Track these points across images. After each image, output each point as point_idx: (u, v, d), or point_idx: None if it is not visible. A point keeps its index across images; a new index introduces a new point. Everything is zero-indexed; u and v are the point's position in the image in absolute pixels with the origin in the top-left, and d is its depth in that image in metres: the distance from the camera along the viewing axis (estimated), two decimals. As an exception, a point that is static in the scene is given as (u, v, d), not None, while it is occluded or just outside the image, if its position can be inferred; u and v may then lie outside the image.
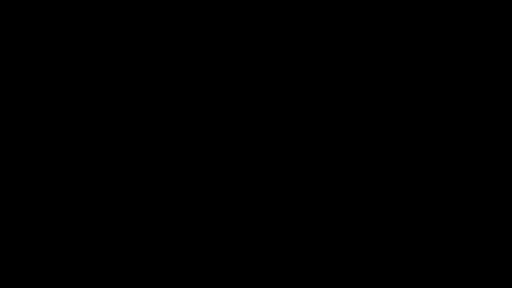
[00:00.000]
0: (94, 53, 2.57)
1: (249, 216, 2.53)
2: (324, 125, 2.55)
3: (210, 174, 2.54)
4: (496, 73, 2.54)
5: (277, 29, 2.57)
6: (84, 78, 2.57)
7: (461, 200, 2.50)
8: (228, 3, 2.57)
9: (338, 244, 2.50)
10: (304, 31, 2.57)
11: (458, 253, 2.48)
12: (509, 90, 2.53)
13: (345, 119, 2.55)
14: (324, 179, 2.53)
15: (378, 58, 2.56)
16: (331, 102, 2.56)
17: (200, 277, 2.50)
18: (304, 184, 2.53)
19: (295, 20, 2.57)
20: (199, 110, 2.56)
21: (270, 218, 2.52)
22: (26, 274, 2.48)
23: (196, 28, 2.57)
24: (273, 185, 2.53)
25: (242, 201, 2.53)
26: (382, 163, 2.53)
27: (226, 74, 2.57)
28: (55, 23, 2.57)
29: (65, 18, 2.57)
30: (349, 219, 2.51)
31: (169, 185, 2.53)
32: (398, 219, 2.51)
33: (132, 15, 2.58)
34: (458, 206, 2.50)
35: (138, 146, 2.55)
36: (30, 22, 2.57)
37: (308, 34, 2.57)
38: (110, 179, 2.53)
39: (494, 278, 2.46)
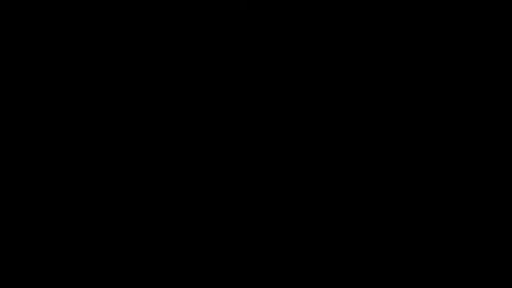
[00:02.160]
0: (94, 53, 2.57)
1: (249, 216, 2.53)
2: (324, 124, 2.55)
3: (210, 174, 2.54)
4: (496, 73, 2.54)
5: (277, 29, 2.57)
6: (84, 78, 2.57)
7: (461, 200, 2.51)
8: (228, 3, 2.57)
9: (338, 244, 2.50)
10: (304, 31, 2.57)
11: (458, 253, 2.48)
12: (510, 90, 2.53)
13: (345, 119, 2.55)
14: (324, 179, 2.53)
15: (378, 58, 2.56)
16: (331, 102, 2.56)
17: (200, 277, 2.50)
18: (304, 184, 2.53)
19: (295, 20, 2.57)
20: (200, 110, 2.56)
21: (270, 218, 2.52)
22: (26, 274, 2.48)
23: (196, 28, 2.57)
24: (273, 185, 2.53)
25: (242, 201, 2.53)
26: (382, 163, 2.53)
27: (226, 74, 2.57)
28: (55, 23, 2.57)
29: (65, 18, 2.57)
30: (349, 219, 2.51)
31: (169, 185, 2.53)
32: (398, 219, 2.51)
33: (132, 15, 2.58)
34: (458, 206, 2.51)
35: (139, 145, 2.55)
36: (30, 22, 2.57)
37: (308, 34, 2.57)
38: (110, 179, 2.53)
39: (494, 278, 2.46)
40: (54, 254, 2.50)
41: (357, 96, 2.55)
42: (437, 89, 2.55)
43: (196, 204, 2.53)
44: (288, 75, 2.57)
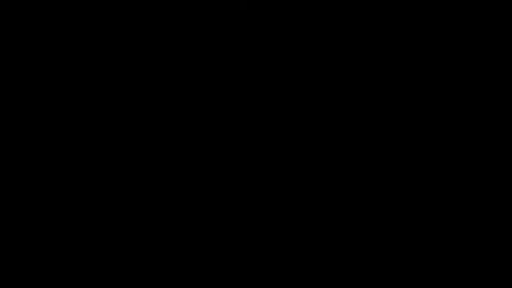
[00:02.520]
0: (94, 53, 2.57)
1: (249, 216, 2.53)
2: (324, 125, 2.55)
3: (210, 174, 2.54)
4: (496, 73, 2.54)
5: (277, 29, 2.57)
6: (84, 78, 2.57)
7: (461, 200, 2.51)
8: (228, 3, 2.57)
9: (338, 244, 2.51)
10: (304, 31, 2.57)
11: (458, 253, 2.48)
12: (510, 90, 2.53)
13: (345, 119, 2.55)
14: (324, 179, 2.53)
15: (378, 58, 2.56)
16: (331, 102, 2.56)
17: (200, 277, 2.50)
18: (304, 184, 2.53)
19: (295, 20, 2.57)
20: (200, 110, 2.56)
21: (270, 218, 2.52)
22: (26, 274, 2.48)
23: (196, 28, 2.57)
24: (273, 185, 2.53)
25: (242, 201, 2.53)
26: (382, 163, 2.53)
27: (226, 74, 2.57)
28: (55, 23, 2.57)
29: (65, 18, 2.57)
30: (349, 219, 2.52)
31: (169, 185, 2.53)
32: (398, 219, 2.51)
33: (132, 15, 2.58)
34: (458, 206, 2.51)
35: (139, 146, 2.55)
36: (30, 22, 2.57)
37: (308, 34, 2.57)
38: (110, 179, 2.53)
39: (494, 278, 2.46)
40: (54, 254, 2.50)
41: (357, 96, 2.55)
42: (437, 89, 2.55)
43: (196, 204, 2.53)
44: (288, 75, 2.56)
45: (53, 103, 2.56)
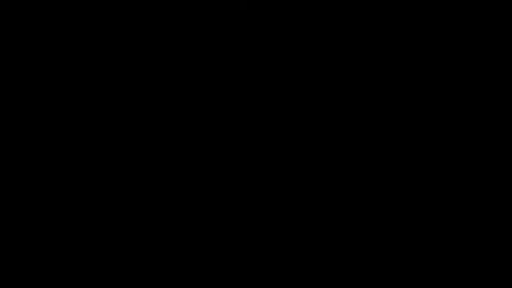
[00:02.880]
0: (94, 53, 2.57)
1: (249, 216, 2.53)
2: (324, 125, 2.55)
3: (210, 174, 2.54)
4: (496, 73, 2.54)
5: (277, 29, 2.57)
6: (84, 78, 2.57)
7: (462, 200, 2.51)
8: (228, 3, 2.57)
9: (338, 244, 2.51)
10: (304, 31, 2.57)
11: (458, 253, 2.48)
12: (510, 90, 2.54)
13: (344, 119, 2.55)
14: (324, 179, 2.53)
15: (378, 58, 2.56)
16: (331, 102, 2.56)
17: (200, 277, 2.50)
18: (304, 184, 2.53)
19: (295, 20, 2.57)
20: (200, 110, 2.56)
21: (270, 218, 2.53)
22: (26, 274, 2.49)
23: (196, 28, 2.57)
24: (273, 185, 2.54)
25: (242, 201, 2.53)
26: (382, 163, 2.53)
27: (226, 74, 2.57)
28: (55, 23, 2.57)
29: (65, 18, 2.57)
30: (349, 219, 2.52)
31: (169, 185, 2.53)
32: (398, 219, 2.51)
33: (132, 15, 2.58)
34: (458, 206, 2.51)
35: (139, 146, 2.55)
36: (30, 22, 2.57)
37: (308, 34, 2.57)
38: (110, 179, 2.54)
39: (494, 278, 2.46)
40: (54, 254, 2.50)
41: (357, 96, 2.55)
42: (437, 89, 2.55)
43: (196, 204, 2.53)
44: (288, 75, 2.57)
45: (53, 103, 2.56)
